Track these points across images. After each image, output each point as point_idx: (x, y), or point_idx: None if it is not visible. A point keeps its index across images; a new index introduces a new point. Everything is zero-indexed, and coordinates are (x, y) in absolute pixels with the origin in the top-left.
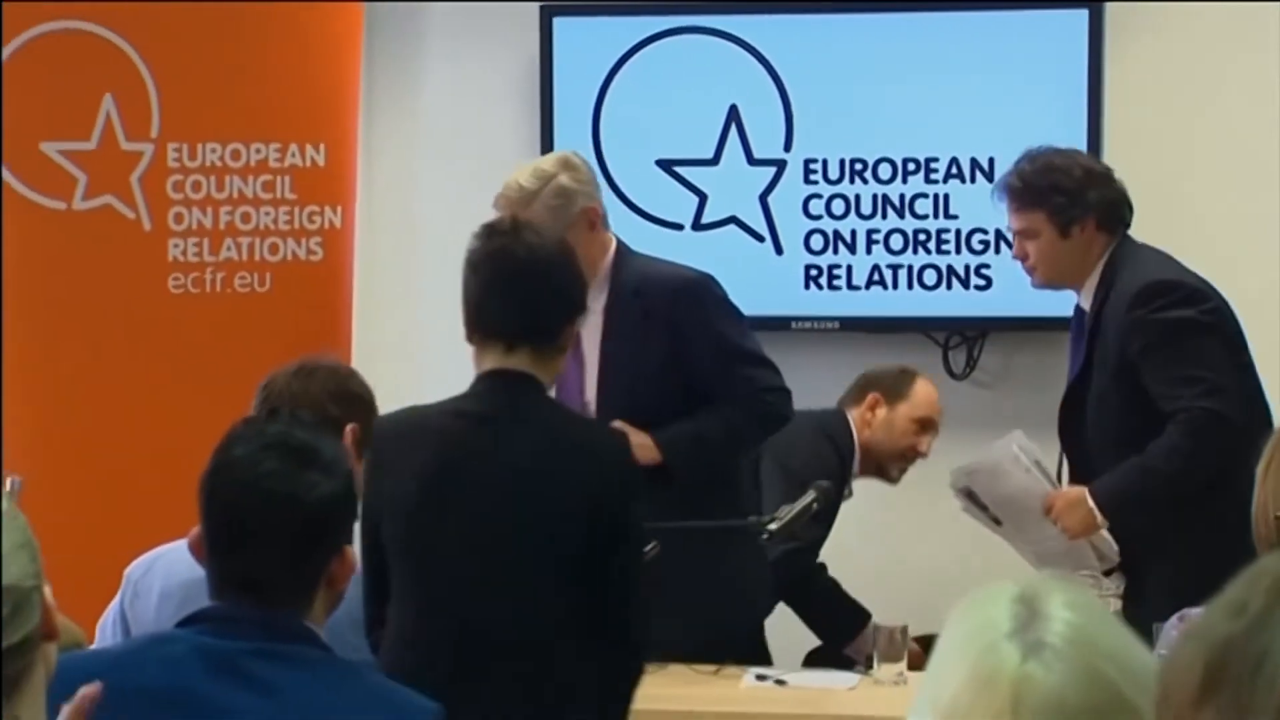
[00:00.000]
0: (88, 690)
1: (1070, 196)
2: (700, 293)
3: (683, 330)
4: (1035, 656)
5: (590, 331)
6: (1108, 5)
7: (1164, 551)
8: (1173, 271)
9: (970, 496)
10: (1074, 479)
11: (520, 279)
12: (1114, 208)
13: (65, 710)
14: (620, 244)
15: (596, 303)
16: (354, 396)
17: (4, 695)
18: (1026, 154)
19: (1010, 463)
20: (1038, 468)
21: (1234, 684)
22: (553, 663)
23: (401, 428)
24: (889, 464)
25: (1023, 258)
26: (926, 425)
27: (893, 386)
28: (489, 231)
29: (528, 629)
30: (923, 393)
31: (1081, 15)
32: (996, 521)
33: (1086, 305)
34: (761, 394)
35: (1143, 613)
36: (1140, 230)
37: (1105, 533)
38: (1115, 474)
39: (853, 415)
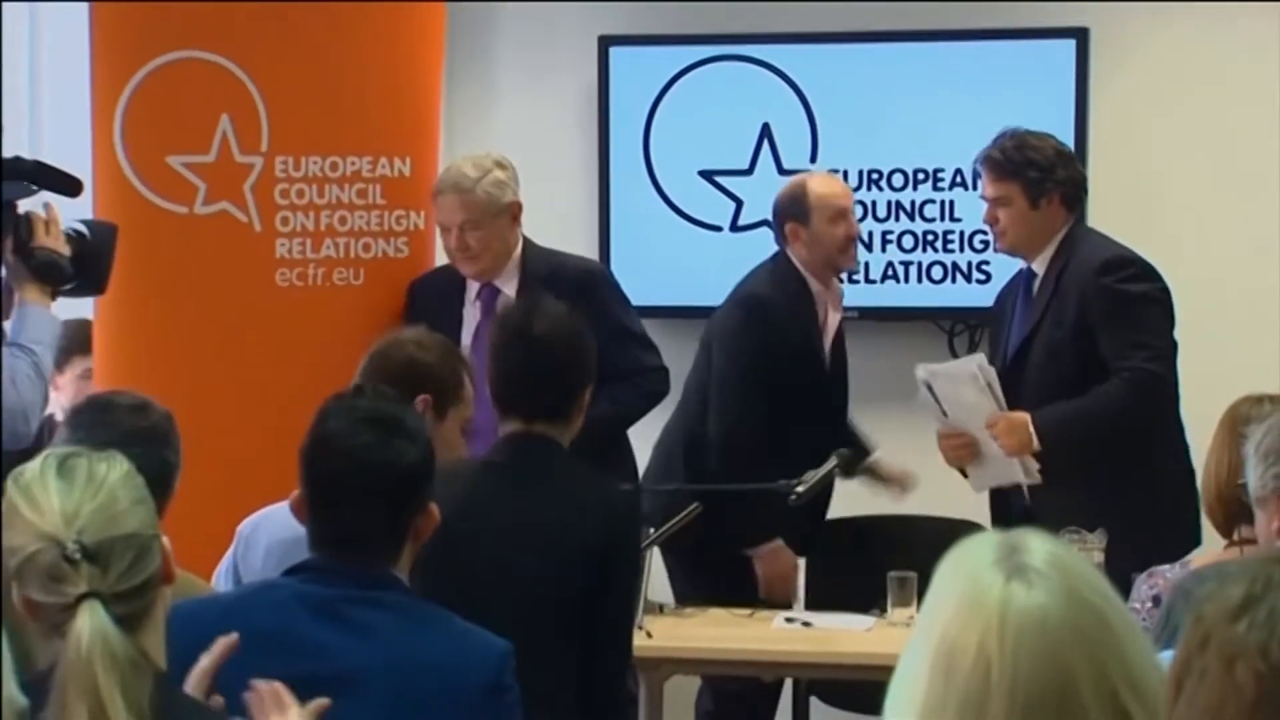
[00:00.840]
0: (227, 640)
1: (1043, 172)
2: (601, 281)
3: (586, 313)
4: (1019, 578)
5: None
6: (1092, 35)
7: (1080, 491)
8: (1129, 251)
9: (929, 389)
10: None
11: (531, 368)
12: (1077, 188)
13: (205, 658)
14: (526, 239)
15: (509, 286)
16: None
17: (130, 628)
18: (1007, 132)
19: (969, 378)
20: (990, 390)
21: (1269, 602)
22: (554, 713)
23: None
24: (837, 261)
25: (993, 222)
26: (840, 215)
27: (796, 208)
28: (502, 323)
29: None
30: (819, 194)
31: (1069, 45)
32: (944, 414)
33: (1040, 271)
34: (647, 371)
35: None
36: (1117, 229)
37: (1030, 457)
38: (1057, 409)
39: (790, 251)
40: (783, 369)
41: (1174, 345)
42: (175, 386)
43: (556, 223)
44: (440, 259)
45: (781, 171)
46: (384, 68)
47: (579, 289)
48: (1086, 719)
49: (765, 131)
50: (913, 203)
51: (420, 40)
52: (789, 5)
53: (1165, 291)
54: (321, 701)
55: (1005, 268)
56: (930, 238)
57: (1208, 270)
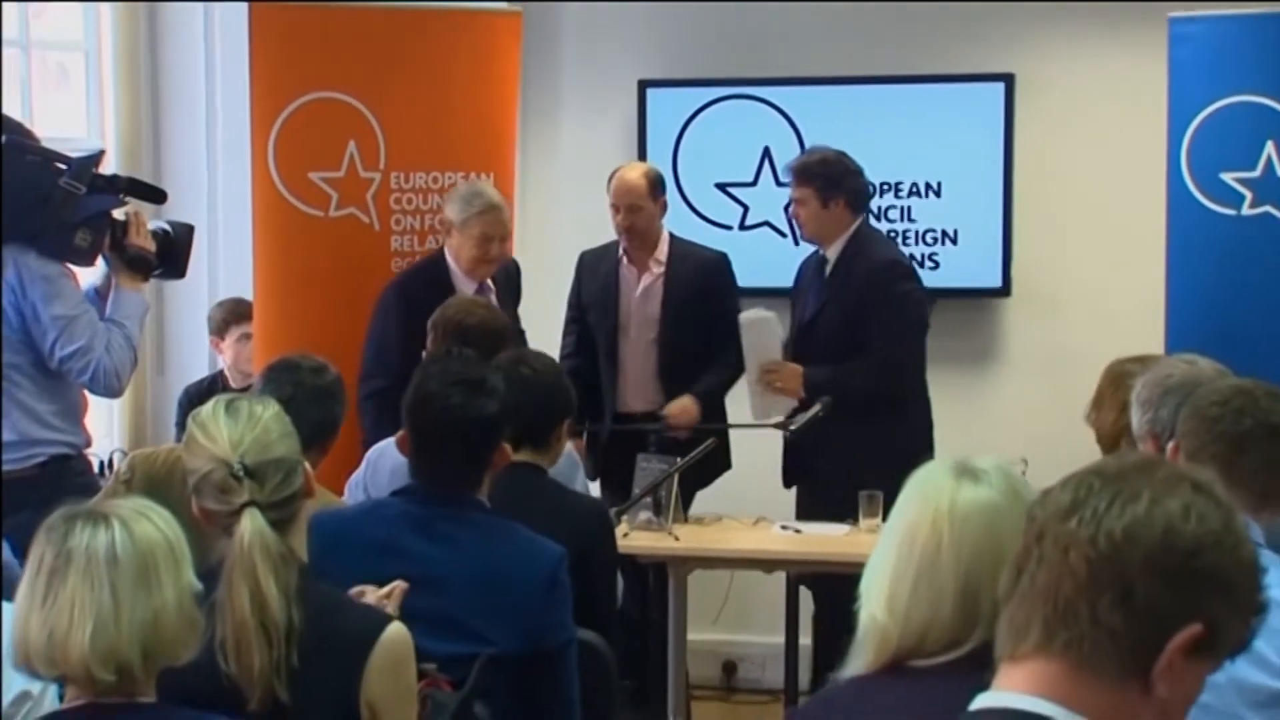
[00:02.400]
0: (400, 584)
1: (831, 181)
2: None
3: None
4: (968, 477)
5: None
6: (1018, 79)
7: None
8: (902, 256)
9: (741, 329)
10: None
11: (518, 411)
12: (861, 195)
13: (375, 593)
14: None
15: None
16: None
17: (280, 530)
18: (810, 149)
19: (773, 327)
20: (779, 340)
21: (1091, 505)
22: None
23: None
24: (624, 242)
25: (796, 217)
26: (616, 209)
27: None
28: (496, 368)
29: None
30: (613, 189)
31: (999, 87)
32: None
33: (832, 258)
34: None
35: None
36: (1037, 235)
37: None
38: (823, 370)
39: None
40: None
41: (924, 329)
42: (312, 348)
43: (606, 224)
44: (517, 254)
45: (778, 184)
46: (473, 105)
47: (510, 274)
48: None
49: (766, 153)
50: (879, 208)
51: (500, 84)
52: (782, 57)
53: (923, 291)
54: (400, 584)
55: (950, 260)
56: (892, 235)
57: (1107, 268)
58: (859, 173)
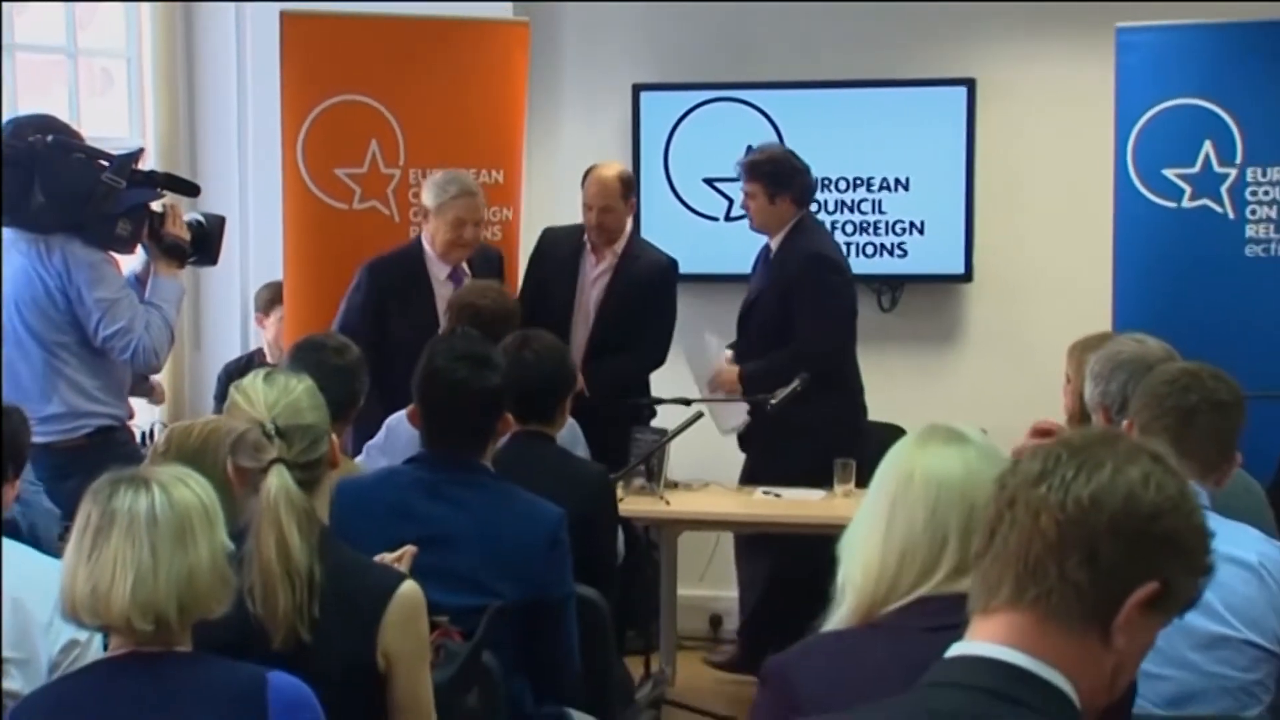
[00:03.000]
0: (410, 549)
1: (778, 178)
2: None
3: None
4: (932, 437)
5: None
6: (979, 83)
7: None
8: (834, 250)
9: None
10: (738, 354)
11: (525, 387)
12: (806, 191)
13: (390, 556)
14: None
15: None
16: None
17: (305, 490)
18: (760, 147)
19: (703, 348)
20: (713, 353)
21: (1060, 473)
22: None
23: None
24: (591, 235)
25: (746, 209)
26: (589, 207)
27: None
28: (502, 350)
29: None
30: (587, 188)
31: (962, 90)
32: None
33: (775, 247)
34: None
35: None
36: (995, 228)
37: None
38: (757, 365)
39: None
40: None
41: (847, 317)
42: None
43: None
44: (524, 242)
45: None
46: (484, 107)
47: (487, 258)
48: (970, 530)
49: (749, 150)
50: (853, 201)
51: (509, 88)
52: (764, 63)
53: (848, 282)
54: (410, 549)
55: (916, 248)
56: (865, 225)
57: (1060, 256)
58: (805, 171)
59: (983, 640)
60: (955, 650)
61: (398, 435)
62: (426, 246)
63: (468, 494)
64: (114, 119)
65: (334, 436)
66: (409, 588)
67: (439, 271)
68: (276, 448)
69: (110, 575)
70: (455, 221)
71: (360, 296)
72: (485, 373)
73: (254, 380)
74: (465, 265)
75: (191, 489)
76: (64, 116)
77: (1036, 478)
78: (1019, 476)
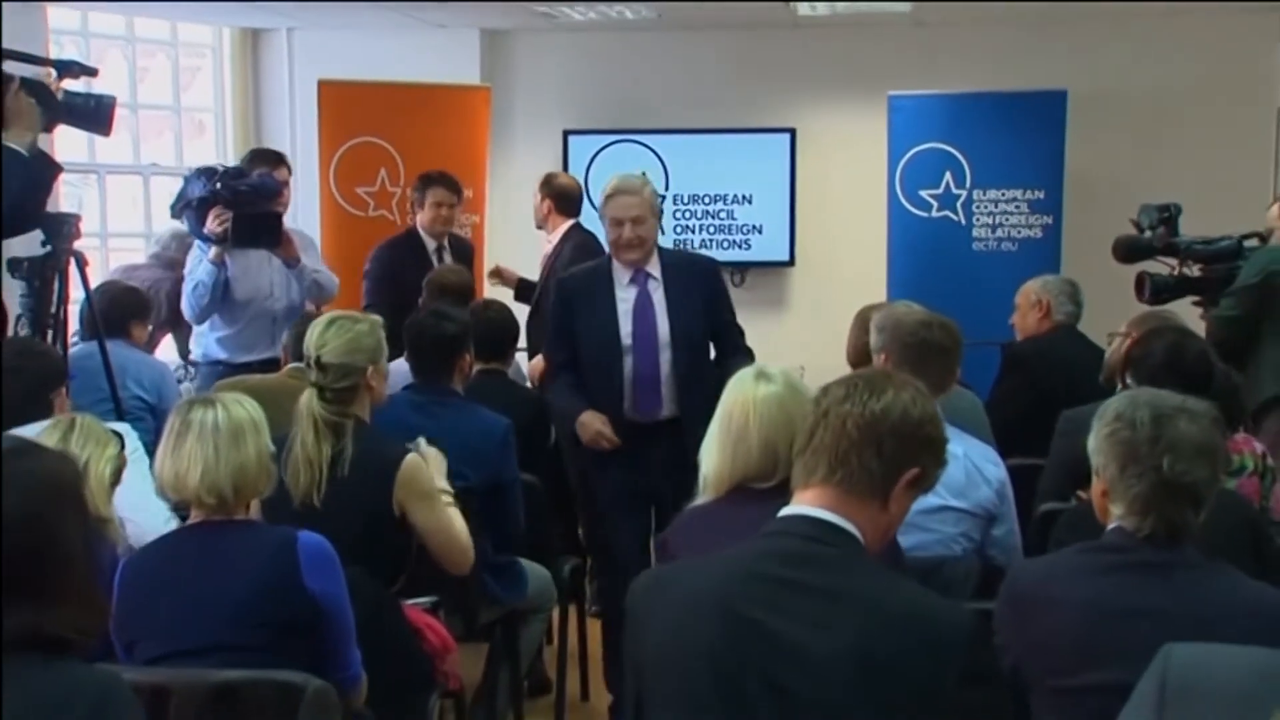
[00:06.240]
0: (421, 440)
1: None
2: (470, 251)
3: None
4: (764, 379)
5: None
6: (799, 131)
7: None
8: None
9: None
10: None
11: (486, 335)
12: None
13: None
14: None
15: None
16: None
17: (343, 403)
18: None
19: None
20: None
21: (860, 394)
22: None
23: None
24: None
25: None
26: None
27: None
28: (471, 311)
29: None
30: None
31: (787, 136)
32: None
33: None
34: None
35: None
36: (807, 229)
37: None
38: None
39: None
40: None
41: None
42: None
43: (535, 233)
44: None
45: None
46: (459, 145)
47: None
48: (791, 441)
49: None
50: (714, 210)
51: (476, 134)
52: (655, 116)
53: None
54: (420, 440)
55: (758, 244)
56: (722, 228)
57: (853, 249)
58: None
59: (803, 505)
60: (784, 511)
61: (398, 375)
62: (419, 229)
63: (443, 410)
64: (205, 155)
65: (375, 366)
66: (413, 457)
67: (430, 243)
68: (315, 375)
69: (185, 465)
70: (435, 204)
71: (380, 266)
72: (444, 324)
73: (320, 322)
74: (446, 241)
75: (244, 407)
76: (171, 154)
77: (842, 398)
78: (830, 397)
